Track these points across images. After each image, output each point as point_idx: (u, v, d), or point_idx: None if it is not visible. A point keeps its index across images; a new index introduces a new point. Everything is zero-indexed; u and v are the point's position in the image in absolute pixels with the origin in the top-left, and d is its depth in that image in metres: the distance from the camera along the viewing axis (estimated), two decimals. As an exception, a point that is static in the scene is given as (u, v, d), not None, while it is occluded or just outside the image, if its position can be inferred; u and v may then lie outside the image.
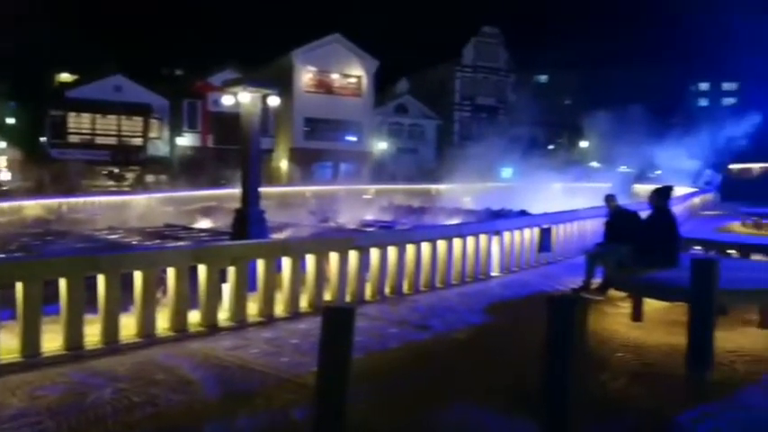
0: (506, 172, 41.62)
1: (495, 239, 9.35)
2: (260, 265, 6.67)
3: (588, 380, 4.41)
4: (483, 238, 9.13)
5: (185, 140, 38.52)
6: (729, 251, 10.17)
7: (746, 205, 20.83)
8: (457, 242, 8.70)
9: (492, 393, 4.41)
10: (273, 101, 11.29)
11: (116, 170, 35.96)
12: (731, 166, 54.16)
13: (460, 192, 29.32)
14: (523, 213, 16.46)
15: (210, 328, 6.11)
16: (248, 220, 10.26)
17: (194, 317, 6.19)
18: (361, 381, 4.61)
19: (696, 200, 21.92)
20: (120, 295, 5.67)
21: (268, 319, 6.55)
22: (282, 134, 41.70)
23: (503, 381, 4.69)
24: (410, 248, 8.09)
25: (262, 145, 12.61)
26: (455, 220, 15.76)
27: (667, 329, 6.06)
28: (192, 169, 33.32)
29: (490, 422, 3.93)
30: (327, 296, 7.23)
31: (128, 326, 5.73)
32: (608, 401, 4.29)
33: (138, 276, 5.78)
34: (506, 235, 9.57)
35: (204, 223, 21.49)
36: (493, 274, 9.23)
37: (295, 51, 40.86)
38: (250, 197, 10.58)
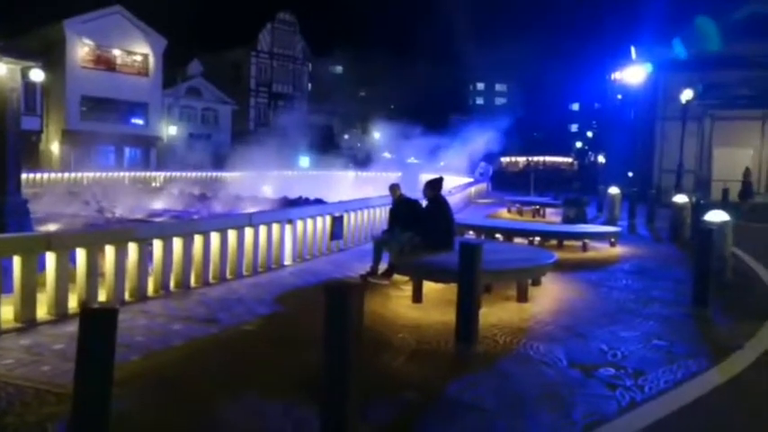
0: (303, 160, 42.01)
1: (287, 228, 9.33)
2: (16, 262, 5.84)
3: (370, 361, 4.61)
4: (275, 226, 9.06)
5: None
6: (497, 235, 11.42)
7: (512, 194, 23.64)
8: (248, 231, 8.51)
9: (276, 383, 4.39)
10: (37, 75, 10.02)
11: None
12: (502, 159, 60.93)
13: (257, 180, 28.85)
14: (319, 202, 16.72)
15: (-50, 338, 5.20)
16: (4, 212, 8.96)
17: (-72, 327, 5.22)
18: (139, 384, 4.31)
19: (472, 189, 24.26)
20: None
21: (28, 324, 5.76)
22: (54, 114, 37.15)
23: (287, 370, 4.70)
24: (198, 239, 7.72)
25: (26, 125, 11.09)
26: (251, 209, 15.45)
27: (442, 309, 6.59)
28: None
29: (272, 412, 3.90)
30: (102, 295, 6.60)
31: None
32: (388, 380, 4.53)
33: None
34: (299, 223, 9.60)
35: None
36: (286, 263, 9.21)
37: (68, 21, 36.51)
38: (8, 184, 9.25)
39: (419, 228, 7.72)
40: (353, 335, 3.23)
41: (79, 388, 2.70)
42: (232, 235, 8.23)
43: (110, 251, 6.68)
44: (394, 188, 8.84)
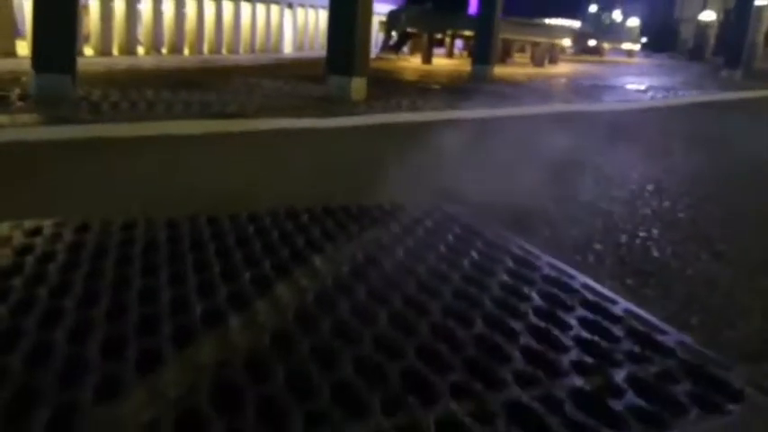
0: None
1: (288, 14, 8.69)
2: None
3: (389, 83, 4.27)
4: (275, 8, 8.42)
5: None
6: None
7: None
8: (245, 6, 7.88)
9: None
10: None
11: None
12: None
13: None
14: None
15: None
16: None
17: None
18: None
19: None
20: None
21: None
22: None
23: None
24: (191, 3, 7.12)
25: None
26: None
27: (452, 68, 6.23)
28: None
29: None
30: (89, 50, 6.09)
31: None
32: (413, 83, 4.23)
33: None
34: (300, 12, 8.95)
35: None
36: (285, 51, 8.68)
37: None
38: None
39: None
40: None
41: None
42: (228, 6, 7.62)
43: (94, 5, 6.08)
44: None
